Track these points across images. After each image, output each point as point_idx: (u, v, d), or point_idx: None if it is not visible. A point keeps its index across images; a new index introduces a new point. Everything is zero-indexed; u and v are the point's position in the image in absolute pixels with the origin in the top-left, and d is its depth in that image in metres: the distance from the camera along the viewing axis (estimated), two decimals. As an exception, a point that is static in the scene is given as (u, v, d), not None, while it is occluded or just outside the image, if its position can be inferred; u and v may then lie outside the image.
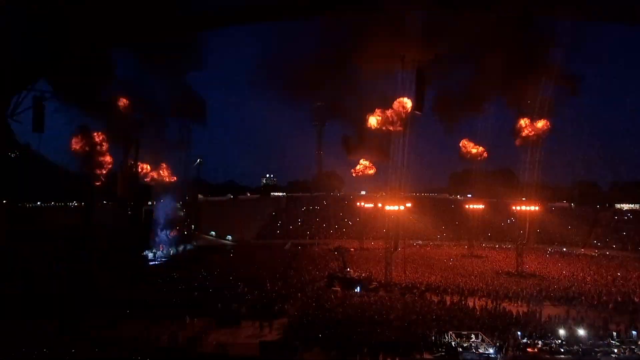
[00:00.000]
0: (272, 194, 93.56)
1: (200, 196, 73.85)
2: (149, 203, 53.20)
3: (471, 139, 56.55)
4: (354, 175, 63.35)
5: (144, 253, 48.40)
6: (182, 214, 63.46)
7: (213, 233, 72.40)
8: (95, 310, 28.22)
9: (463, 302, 30.93)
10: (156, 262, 50.71)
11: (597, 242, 65.58)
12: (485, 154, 56.26)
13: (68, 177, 69.55)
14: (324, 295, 32.56)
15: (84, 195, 45.18)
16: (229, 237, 72.39)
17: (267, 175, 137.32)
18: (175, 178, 57.02)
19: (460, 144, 57.01)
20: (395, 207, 40.47)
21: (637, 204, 73.23)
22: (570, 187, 79.77)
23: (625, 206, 73.93)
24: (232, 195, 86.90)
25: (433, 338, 22.93)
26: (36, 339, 21.76)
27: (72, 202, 68.96)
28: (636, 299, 31.31)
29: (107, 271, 40.40)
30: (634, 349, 22.20)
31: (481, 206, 59.60)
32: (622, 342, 22.81)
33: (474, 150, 55.97)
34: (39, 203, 69.65)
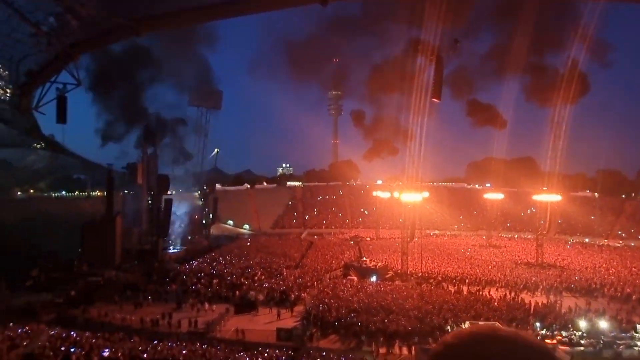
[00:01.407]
0: (288, 183, 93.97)
1: (217, 186, 74.88)
2: (169, 193, 54.27)
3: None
4: None
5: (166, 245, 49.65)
6: (200, 203, 64.63)
7: (231, 222, 73.48)
8: (119, 297, 29.31)
9: (480, 293, 30.68)
10: (175, 250, 52.08)
11: (622, 233, 63.67)
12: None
13: (91, 167, 71.66)
14: (340, 284, 32.80)
15: (106, 185, 46.35)
16: (246, 227, 73.38)
17: (283, 165, 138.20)
18: None
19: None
20: (412, 197, 40.11)
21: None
22: (595, 176, 77.50)
23: (653, 196, 71.31)
24: (248, 184, 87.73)
25: (449, 328, 22.87)
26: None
27: (95, 191, 70.96)
28: (662, 292, 30.39)
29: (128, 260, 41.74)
30: (658, 342, 21.66)
31: (500, 195, 58.49)
32: (646, 335, 22.27)
33: None
34: (63, 193, 71.96)
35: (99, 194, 67.00)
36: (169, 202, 48.85)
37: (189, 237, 57.28)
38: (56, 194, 72.06)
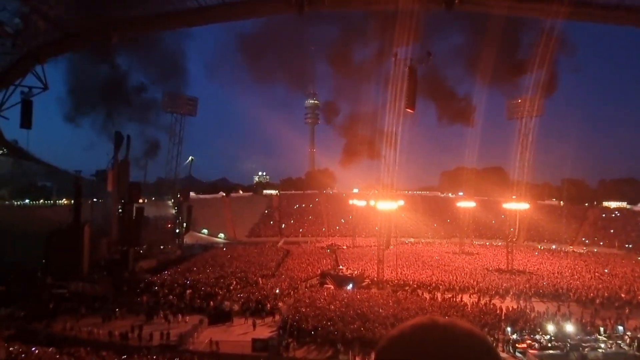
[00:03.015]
0: (264, 191, 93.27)
1: (192, 194, 73.39)
2: (140, 201, 52.67)
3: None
4: None
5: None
6: (173, 212, 63.08)
7: (205, 231, 72.03)
8: (86, 309, 28.05)
9: (454, 299, 31.25)
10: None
11: (585, 240, 66.64)
12: None
13: (57, 174, 68.72)
14: (316, 293, 32.64)
15: (73, 193, 44.55)
16: (221, 235, 72.08)
17: (260, 173, 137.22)
18: None
19: None
20: (388, 205, 40.62)
21: (623, 201, 74.49)
22: (560, 185, 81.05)
23: (613, 204, 75.19)
24: (224, 192, 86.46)
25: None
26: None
27: (61, 199, 67.99)
28: (622, 295, 31.91)
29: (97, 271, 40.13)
30: (620, 343, 22.65)
31: (472, 204, 60.15)
32: (609, 337, 23.26)
33: None
34: (27, 201, 68.54)
35: (65, 202, 64.19)
36: (141, 211, 47.41)
37: (161, 247, 55.66)
38: (19, 202, 68.62)
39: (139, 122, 60.12)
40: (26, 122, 20.79)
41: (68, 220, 42.29)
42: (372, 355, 1.15)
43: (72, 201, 46.44)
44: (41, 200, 70.06)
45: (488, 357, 1.06)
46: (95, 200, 52.47)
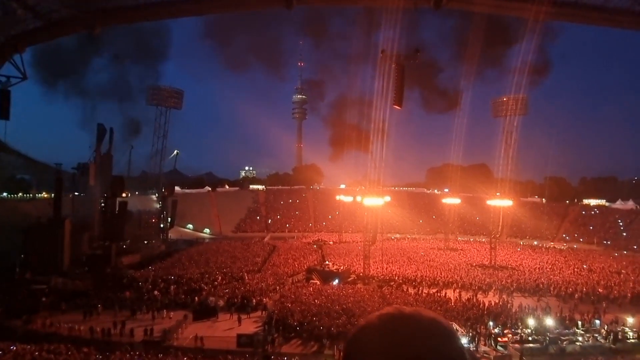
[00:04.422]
0: (251, 186, 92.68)
1: (177, 188, 72.42)
2: (124, 195, 51.67)
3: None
4: None
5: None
6: (157, 206, 62.18)
7: (190, 226, 71.27)
8: (67, 305, 27.50)
9: (439, 294, 31.70)
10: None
11: (566, 236, 68.34)
12: None
13: (37, 167, 66.93)
14: (302, 288, 32.67)
15: (53, 186, 43.47)
16: (207, 231, 71.42)
17: (247, 168, 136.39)
18: None
19: None
20: (375, 201, 40.82)
21: (603, 199, 76.60)
22: (542, 183, 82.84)
23: (593, 201, 77.23)
24: (210, 187, 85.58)
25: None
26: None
27: (41, 193, 66.27)
28: (600, 290, 32.87)
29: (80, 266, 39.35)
30: (596, 337, 23.35)
31: (457, 200, 60.95)
32: (586, 331, 23.95)
33: None
34: (5, 195, 66.59)
35: (45, 195, 62.58)
36: (124, 205, 46.56)
37: (145, 242, 54.85)
38: (-3, 196, 66.71)
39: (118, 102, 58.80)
40: (3, 112, 20.12)
41: (48, 214, 41.30)
42: (342, 345, 1.20)
43: (53, 195, 45.33)
44: (20, 194, 68.14)
45: (450, 344, 1.12)
46: (76, 194, 51.26)
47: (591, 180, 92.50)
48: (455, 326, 23.27)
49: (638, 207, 70.22)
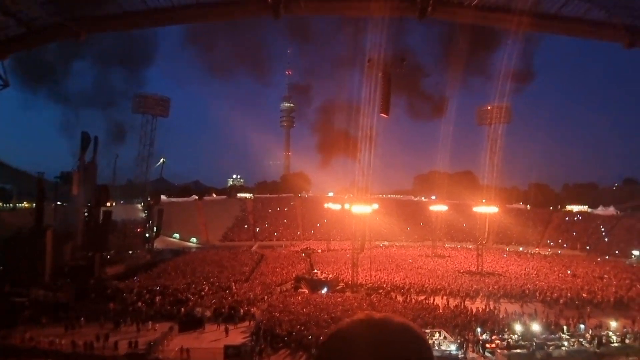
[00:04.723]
0: (238, 195, 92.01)
1: (163, 197, 71.40)
2: (108, 204, 50.69)
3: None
4: None
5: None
6: (143, 215, 61.16)
7: (177, 235, 70.22)
8: (47, 318, 26.68)
9: (427, 301, 31.79)
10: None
11: (550, 242, 69.48)
12: None
13: (17, 176, 65.32)
14: (290, 297, 32.40)
15: (35, 196, 42.45)
16: (194, 240, 70.46)
17: (234, 176, 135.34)
18: None
19: None
20: (363, 209, 40.91)
21: (585, 205, 78.30)
22: (527, 190, 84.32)
23: (575, 207, 78.85)
24: (197, 196, 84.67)
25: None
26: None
27: (22, 202, 64.62)
28: (584, 295, 33.42)
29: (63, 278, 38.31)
30: (581, 341, 23.68)
31: (444, 207, 61.50)
32: (571, 336, 24.28)
33: None
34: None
35: (26, 205, 61.05)
36: (109, 214, 45.64)
37: (130, 252, 53.76)
38: (-25, 206, 64.73)
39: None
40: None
41: (29, 224, 40.22)
42: (315, 351, 1.22)
43: (34, 204, 44.23)
44: (0, 204, 66.32)
45: (417, 348, 1.15)
46: (59, 203, 50.11)
47: (573, 187, 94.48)
48: (443, 333, 23.35)
49: (619, 213, 71.98)
